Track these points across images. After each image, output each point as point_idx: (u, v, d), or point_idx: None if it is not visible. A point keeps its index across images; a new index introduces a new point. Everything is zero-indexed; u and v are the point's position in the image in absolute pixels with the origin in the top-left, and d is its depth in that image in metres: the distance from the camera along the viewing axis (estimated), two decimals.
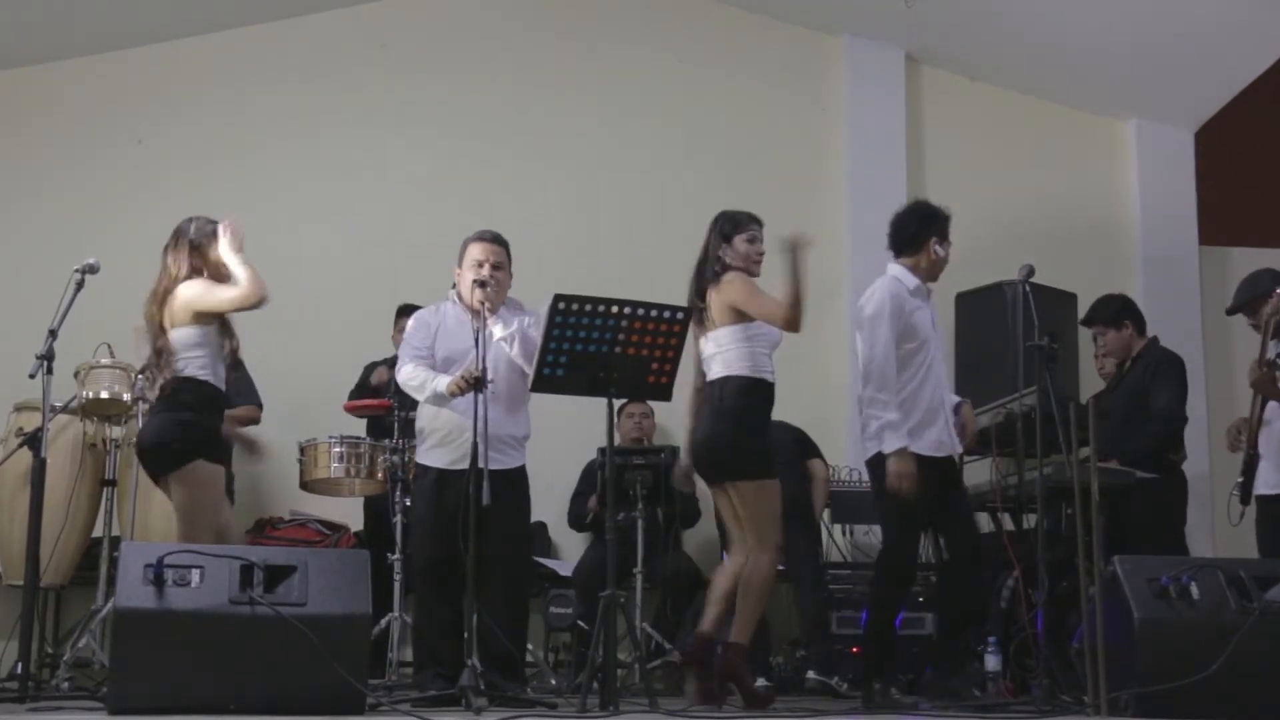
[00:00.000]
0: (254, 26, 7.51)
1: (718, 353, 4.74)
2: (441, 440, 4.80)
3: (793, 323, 4.56)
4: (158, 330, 4.60)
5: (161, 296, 4.63)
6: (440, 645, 4.70)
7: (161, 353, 4.58)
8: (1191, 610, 4.14)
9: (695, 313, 4.74)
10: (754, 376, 4.70)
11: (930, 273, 5.07)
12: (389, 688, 5.16)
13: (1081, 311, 6.94)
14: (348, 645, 3.84)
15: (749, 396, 4.68)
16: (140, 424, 5.45)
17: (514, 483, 4.81)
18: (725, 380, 4.69)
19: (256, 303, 4.56)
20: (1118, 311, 5.93)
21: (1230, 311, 5.58)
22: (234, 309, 4.63)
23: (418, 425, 4.96)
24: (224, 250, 4.60)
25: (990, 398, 6.11)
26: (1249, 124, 7.89)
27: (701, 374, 4.87)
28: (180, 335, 4.58)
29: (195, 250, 4.66)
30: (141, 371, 5.62)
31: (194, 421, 4.56)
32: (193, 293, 4.59)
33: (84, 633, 5.32)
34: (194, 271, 4.64)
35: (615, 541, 4.54)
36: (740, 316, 4.70)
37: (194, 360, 4.58)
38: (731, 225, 4.83)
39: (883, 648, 4.99)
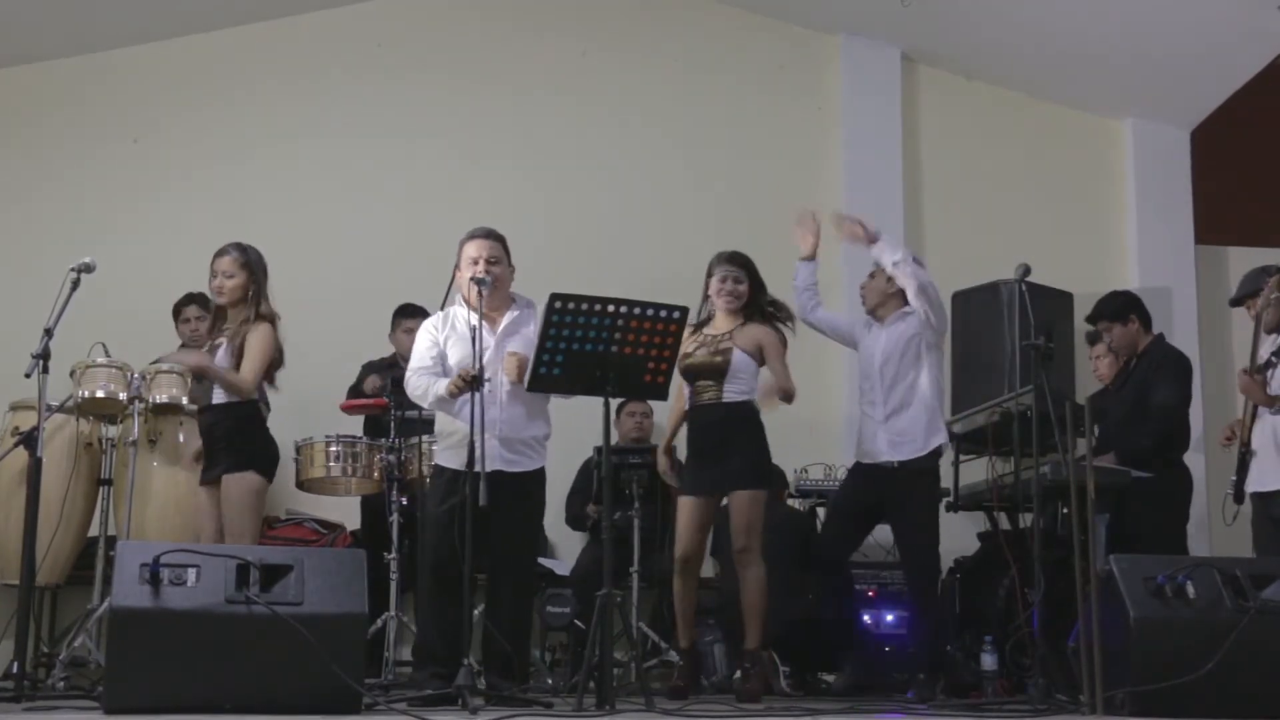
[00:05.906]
0: (250, 26, 7.51)
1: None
2: (459, 442, 4.77)
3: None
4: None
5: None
6: (441, 644, 4.69)
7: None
8: (1187, 609, 4.15)
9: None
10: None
11: None
12: (385, 687, 5.15)
13: (1078, 310, 6.95)
14: (344, 644, 3.83)
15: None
16: (136, 423, 5.45)
17: (528, 486, 4.78)
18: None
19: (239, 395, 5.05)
20: (1123, 306, 5.92)
21: (1233, 302, 5.57)
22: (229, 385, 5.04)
23: (436, 427, 4.96)
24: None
25: (986, 396, 6.11)
26: (1245, 123, 7.89)
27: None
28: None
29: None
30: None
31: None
32: (266, 344, 5.06)
33: (80, 632, 5.31)
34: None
35: (612, 540, 4.53)
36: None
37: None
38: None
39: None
